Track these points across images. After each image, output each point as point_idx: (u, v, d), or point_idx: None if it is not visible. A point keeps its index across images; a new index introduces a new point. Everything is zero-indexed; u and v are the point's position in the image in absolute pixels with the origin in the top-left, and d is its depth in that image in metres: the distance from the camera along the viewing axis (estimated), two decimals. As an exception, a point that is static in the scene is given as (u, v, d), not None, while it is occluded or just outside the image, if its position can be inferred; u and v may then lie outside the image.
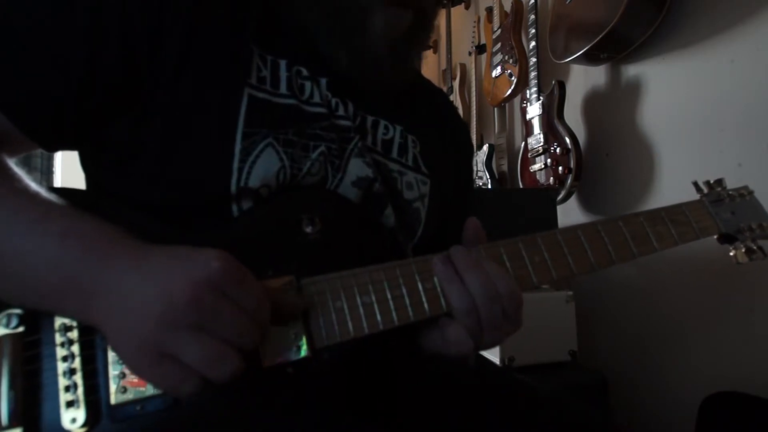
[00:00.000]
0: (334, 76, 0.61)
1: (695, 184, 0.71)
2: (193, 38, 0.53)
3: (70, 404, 0.42)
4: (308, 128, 0.57)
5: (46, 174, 2.99)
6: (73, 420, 0.42)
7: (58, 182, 2.59)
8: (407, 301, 0.49)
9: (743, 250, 0.67)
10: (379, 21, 0.58)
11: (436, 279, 0.51)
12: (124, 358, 0.42)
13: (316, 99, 0.59)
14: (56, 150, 0.56)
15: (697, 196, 0.69)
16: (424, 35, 0.65)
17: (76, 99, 0.50)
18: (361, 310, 0.48)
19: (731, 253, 0.68)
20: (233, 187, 0.52)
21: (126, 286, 0.41)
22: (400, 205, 0.63)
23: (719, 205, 0.68)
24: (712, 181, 0.71)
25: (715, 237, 0.68)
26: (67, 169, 2.97)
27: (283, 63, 0.58)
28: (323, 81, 0.61)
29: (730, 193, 0.70)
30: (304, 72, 0.60)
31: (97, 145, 0.56)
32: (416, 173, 0.66)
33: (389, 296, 0.49)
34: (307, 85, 0.59)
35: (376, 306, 0.48)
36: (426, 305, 0.50)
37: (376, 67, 0.60)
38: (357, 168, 0.59)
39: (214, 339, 0.40)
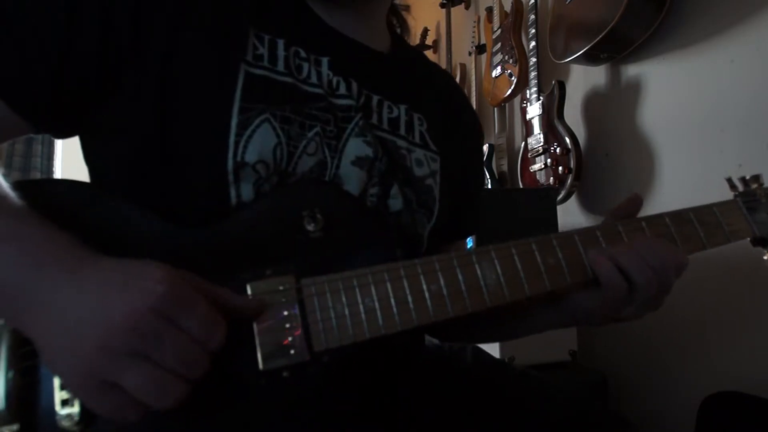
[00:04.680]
0: (337, 54, 0.61)
1: (729, 180, 0.64)
2: (182, 22, 0.53)
3: (65, 402, 0.42)
4: (305, 107, 0.56)
5: (46, 173, 2.99)
6: (69, 417, 0.42)
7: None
8: (411, 305, 0.48)
9: None
10: None
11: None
12: (64, 381, 0.41)
13: (314, 79, 0.59)
14: (44, 131, 0.55)
15: (723, 195, 0.63)
16: None
17: (55, 80, 0.50)
18: (363, 313, 0.47)
19: (765, 257, 0.62)
20: (230, 162, 0.51)
21: (62, 302, 0.39)
22: (411, 182, 0.63)
23: (755, 205, 0.61)
24: (748, 177, 0.64)
25: (748, 239, 0.62)
26: (68, 169, 2.97)
27: (281, 42, 0.58)
28: (324, 60, 0.60)
29: None
30: (302, 53, 0.59)
31: (93, 132, 0.56)
32: (425, 150, 0.66)
33: (392, 298, 0.48)
34: (305, 65, 0.59)
35: (378, 309, 0.47)
36: (431, 309, 0.49)
37: None
38: (355, 148, 0.58)
39: (158, 368, 0.38)
